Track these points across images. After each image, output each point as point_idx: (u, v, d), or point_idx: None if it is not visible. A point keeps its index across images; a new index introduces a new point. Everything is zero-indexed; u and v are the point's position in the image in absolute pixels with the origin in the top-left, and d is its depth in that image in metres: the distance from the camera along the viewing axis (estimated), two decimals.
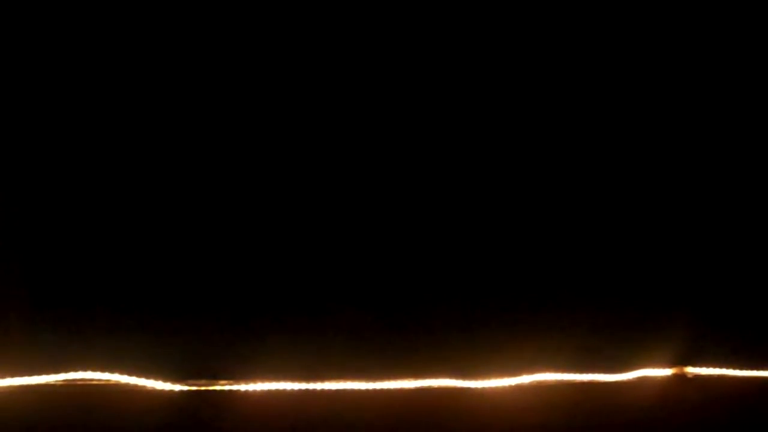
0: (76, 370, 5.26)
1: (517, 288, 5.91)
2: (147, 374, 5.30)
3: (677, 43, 6.36)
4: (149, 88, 5.88)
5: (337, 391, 5.37)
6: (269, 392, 5.28)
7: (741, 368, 5.84)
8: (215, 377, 5.43)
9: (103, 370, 5.28)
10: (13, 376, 5.14)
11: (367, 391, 5.38)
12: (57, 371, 5.21)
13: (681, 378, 5.77)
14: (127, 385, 5.23)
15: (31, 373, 5.18)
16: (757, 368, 5.86)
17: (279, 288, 5.74)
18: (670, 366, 5.81)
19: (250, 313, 5.63)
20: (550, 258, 5.98)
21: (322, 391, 5.35)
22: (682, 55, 6.37)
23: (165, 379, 5.31)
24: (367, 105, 6.08)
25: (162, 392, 5.22)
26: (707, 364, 5.83)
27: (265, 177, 5.91)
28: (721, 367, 5.82)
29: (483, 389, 5.50)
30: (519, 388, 5.54)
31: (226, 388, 5.28)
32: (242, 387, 5.27)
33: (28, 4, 5.79)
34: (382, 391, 5.40)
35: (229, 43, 5.98)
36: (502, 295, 5.87)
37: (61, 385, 5.18)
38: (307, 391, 5.34)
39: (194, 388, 5.26)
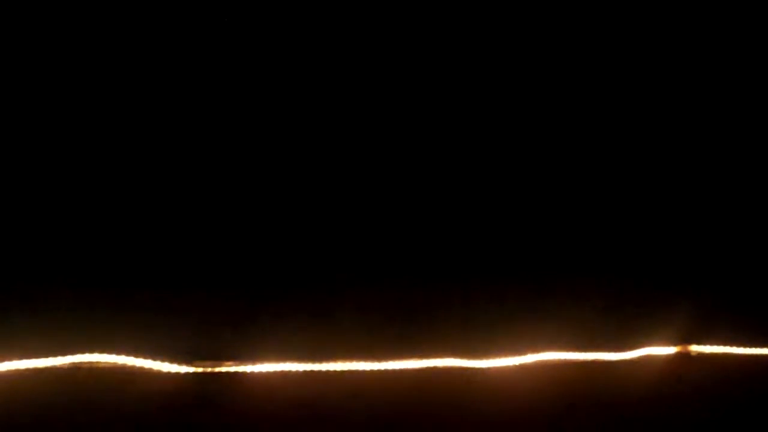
0: (82, 352, 5.26)
1: (521, 267, 5.91)
2: (153, 356, 5.31)
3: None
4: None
5: (343, 372, 5.38)
6: (275, 373, 5.29)
7: (745, 346, 5.86)
8: (221, 358, 5.45)
9: (109, 352, 5.29)
10: (18, 358, 5.14)
11: (372, 371, 5.40)
12: (63, 354, 5.21)
13: (685, 356, 5.79)
14: (133, 367, 5.23)
15: (37, 356, 5.18)
16: (762, 346, 5.88)
17: (285, 268, 5.74)
18: (674, 344, 5.82)
19: (255, 293, 5.63)
20: (554, 237, 5.98)
21: (328, 372, 5.36)
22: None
23: (171, 360, 5.32)
24: (375, 86, 6.07)
25: (168, 374, 5.22)
26: (711, 342, 5.85)
27: (273, 156, 5.90)
28: (725, 345, 5.84)
29: (487, 369, 5.51)
30: (523, 368, 5.55)
31: (233, 369, 5.29)
32: (248, 368, 5.28)
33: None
34: (387, 371, 5.41)
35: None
36: (506, 275, 5.87)
37: (67, 368, 5.18)
38: (312, 371, 5.35)
39: (200, 369, 5.27)
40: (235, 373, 5.29)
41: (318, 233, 5.85)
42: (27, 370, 5.09)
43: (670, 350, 5.77)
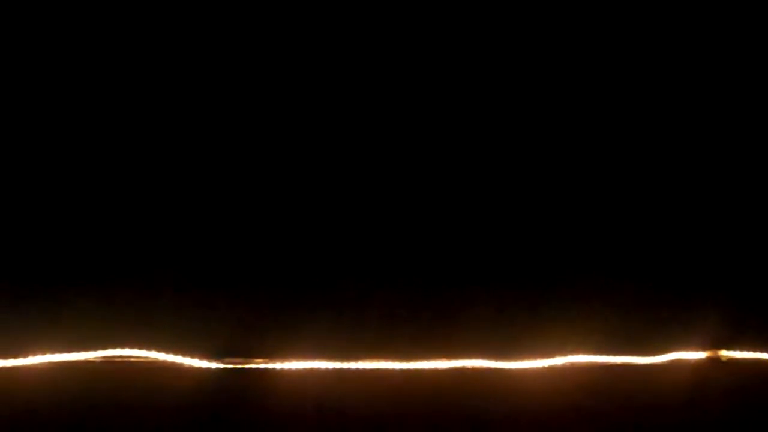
0: (114, 347, 5.32)
1: (552, 269, 5.90)
2: (184, 352, 5.36)
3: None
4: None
5: (371, 371, 5.39)
6: (304, 371, 5.32)
7: None
8: (251, 355, 5.48)
9: (140, 347, 5.34)
10: (52, 353, 5.20)
11: (401, 371, 5.41)
12: (95, 348, 5.27)
13: (715, 361, 5.75)
14: (164, 362, 5.27)
15: (70, 350, 5.24)
16: None
17: (314, 267, 5.76)
18: (705, 349, 5.78)
19: (285, 292, 5.66)
20: (585, 239, 5.96)
21: (356, 371, 5.38)
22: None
23: (201, 356, 5.36)
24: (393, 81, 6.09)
25: (198, 369, 5.26)
26: (742, 348, 5.80)
27: (301, 156, 5.93)
28: (755, 350, 5.79)
29: (516, 370, 5.50)
30: (552, 370, 5.54)
31: (262, 366, 5.32)
32: (277, 365, 5.31)
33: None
34: (415, 371, 5.42)
35: None
36: (537, 277, 5.86)
37: (99, 362, 5.23)
38: (341, 370, 5.36)
39: (230, 365, 5.30)
40: (265, 370, 5.32)
41: (349, 233, 5.88)
42: (59, 363, 5.15)
43: (701, 355, 5.72)
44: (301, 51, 6.07)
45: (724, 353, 5.78)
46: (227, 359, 5.38)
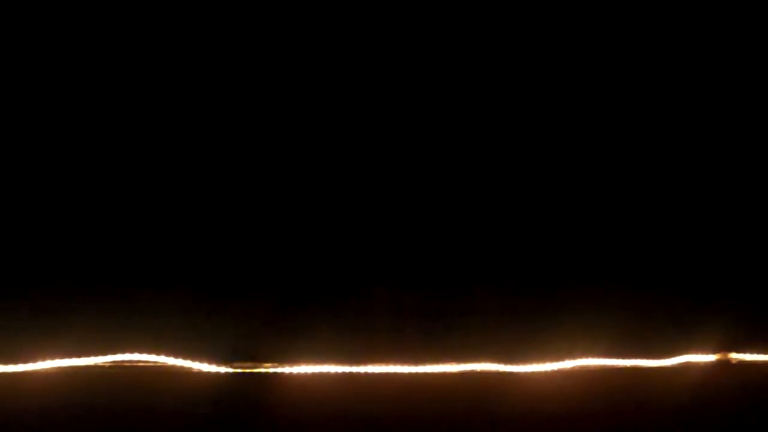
0: (123, 351, 5.32)
1: (560, 272, 5.89)
2: (193, 356, 5.35)
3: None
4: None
5: (381, 375, 5.38)
6: (313, 375, 5.31)
7: None
8: (260, 360, 5.48)
9: (149, 351, 5.34)
10: (61, 357, 5.20)
11: (410, 374, 5.39)
12: (104, 353, 5.27)
13: (725, 364, 5.73)
14: (173, 366, 5.27)
15: (79, 355, 5.24)
16: None
17: (323, 271, 5.76)
18: (714, 352, 5.76)
19: (294, 296, 5.66)
20: (594, 242, 5.95)
21: (366, 375, 5.37)
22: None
23: (211, 361, 5.36)
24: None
25: (208, 374, 5.26)
26: (752, 350, 5.79)
27: (308, 157, 5.94)
28: (765, 353, 5.77)
29: (525, 374, 5.49)
30: (561, 373, 5.52)
31: (271, 370, 5.31)
32: (287, 369, 5.30)
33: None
34: (424, 374, 5.41)
35: None
36: (545, 279, 5.85)
37: (108, 367, 5.23)
38: (350, 374, 5.35)
39: (240, 370, 5.30)
40: (274, 374, 5.32)
41: (357, 235, 5.88)
42: (69, 368, 5.15)
43: (710, 358, 5.70)
44: (301, 51, 6.09)
45: (734, 356, 5.76)
46: (236, 364, 5.38)
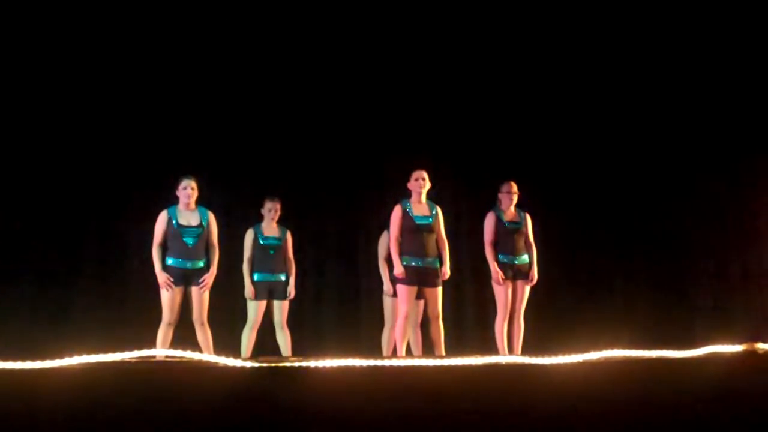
0: (149, 347, 5.31)
1: (586, 263, 5.89)
2: (219, 351, 5.35)
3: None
4: None
5: (406, 368, 5.34)
6: (339, 368, 5.27)
7: None
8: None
9: (175, 347, 5.34)
10: (87, 353, 5.19)
11: (437, 367, 5.36)
12: (131, 349, 5.25)
13: (752, 354, 5.69)
14: (199, 362, 5.26)
15: (105, 351, 5.23)
16: None
17: (348, 265, 5.78)
18: (741, 342, 5.73)
19: (319, 290, 5.67)
20: (620, 234, 5.96)
21: (392, 368, 5.33)
22: None
23: (237, 356, 5.35)
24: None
25: (234, 369, 5.23)
26: None
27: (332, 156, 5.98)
28: None
29: (551, 365, 5.45)
30: (587, 365, 5.49)
31: (297, 364, 5.28)
32: (312, 363, 5.28)
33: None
34: (451, 367, 5.37)
35: None
36: (571, 271, 5.85)
37: (134, 362, 5.22)
38: (376, 367, 5.32)
39: (265, 364, 5.28)
40: (300, 368, 5.28)
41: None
42: (97, 364, 5.14)
43: (737, 348, 5.67)
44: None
45: (761, 346, 5.73)
46: (262, 358, 5.37)
